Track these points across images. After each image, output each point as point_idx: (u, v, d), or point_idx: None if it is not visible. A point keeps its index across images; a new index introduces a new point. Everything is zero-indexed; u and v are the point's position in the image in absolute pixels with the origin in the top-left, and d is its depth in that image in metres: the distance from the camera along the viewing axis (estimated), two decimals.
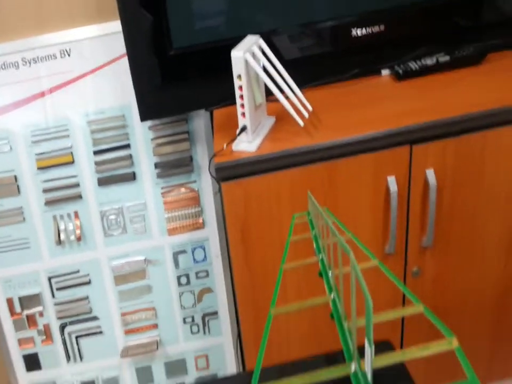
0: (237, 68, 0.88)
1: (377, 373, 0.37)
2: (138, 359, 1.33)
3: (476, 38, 1.10)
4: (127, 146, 1.19)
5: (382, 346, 0.42)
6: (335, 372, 0.39)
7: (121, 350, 1.31)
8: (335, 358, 0.41)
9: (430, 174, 0.96)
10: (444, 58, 1.08)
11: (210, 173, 1.20)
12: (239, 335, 1.33)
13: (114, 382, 1.34)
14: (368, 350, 0.32)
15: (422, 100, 1.01)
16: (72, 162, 1.19)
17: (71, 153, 1.19)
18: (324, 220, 0.47)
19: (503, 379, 1.21)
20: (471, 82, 1.04)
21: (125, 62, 1.09)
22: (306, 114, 0.96)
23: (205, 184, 1.23)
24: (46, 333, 1.29)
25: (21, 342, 1.29)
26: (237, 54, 0.87)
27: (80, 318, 1.28)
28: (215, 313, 1.33)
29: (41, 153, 1.18)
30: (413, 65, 1.08)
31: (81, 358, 1.32)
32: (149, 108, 1.07)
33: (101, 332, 1.30)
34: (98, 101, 1.16)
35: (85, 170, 1.20)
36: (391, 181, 0.96)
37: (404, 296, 1.09)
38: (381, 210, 0.99)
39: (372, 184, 0.97)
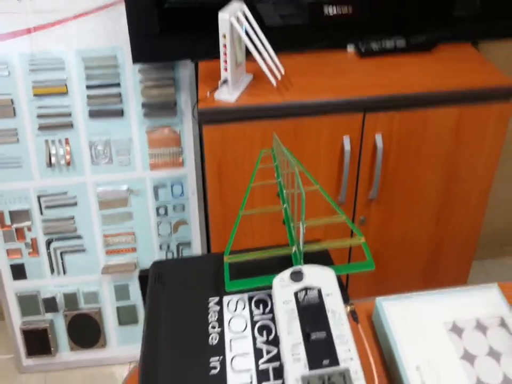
0: (223, 28, 1.00)
1: (308, 257, 0.55)
2: (117, 277, 1.46)
3: (430, 29, 1.23)
4: (118, 85, 1.29)
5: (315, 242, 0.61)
6: (281, 251, 0.58)
7: (102, 268, 1.44)
8: (285, 246, 0.60)
9: (379, 139, 1.12)
10: (401, 43, 1.23)
11: (193, 116, 1.33)
12: None
13: (94, 296, 1.48)
14: (301, 229, 0.51)
15: (377, 76, 1.15)
16: (66, 93, 1.28)
17: (66, 85, 1.28)
18: (283, 156, 0.65)
19: None
20: (420, 67, 1.18)
21: (121, 8, 1.18)
22: (279, 76, 1.10)
23: (186, 128, 1.36)
24: (33, 246, 1.41)
25: (9, 252, 1.41)
26: (224, 16, 0.99)
27: (66, 236, 1.41)
28: (189, 243, 1.48)
29: (38, 82, 1.26)
30: (374, 46, 1.23)
31: (64, 271, 1.44)
32: (141, 52, 1.17)
33: (84, 250, 1.43)
34: (93, 39, 1.25)
35: (77, 102, 1.29)
36: (346, 141, 1.12)
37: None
38: (336, 166, 1.16)
39: (330, 143, 1.12)
